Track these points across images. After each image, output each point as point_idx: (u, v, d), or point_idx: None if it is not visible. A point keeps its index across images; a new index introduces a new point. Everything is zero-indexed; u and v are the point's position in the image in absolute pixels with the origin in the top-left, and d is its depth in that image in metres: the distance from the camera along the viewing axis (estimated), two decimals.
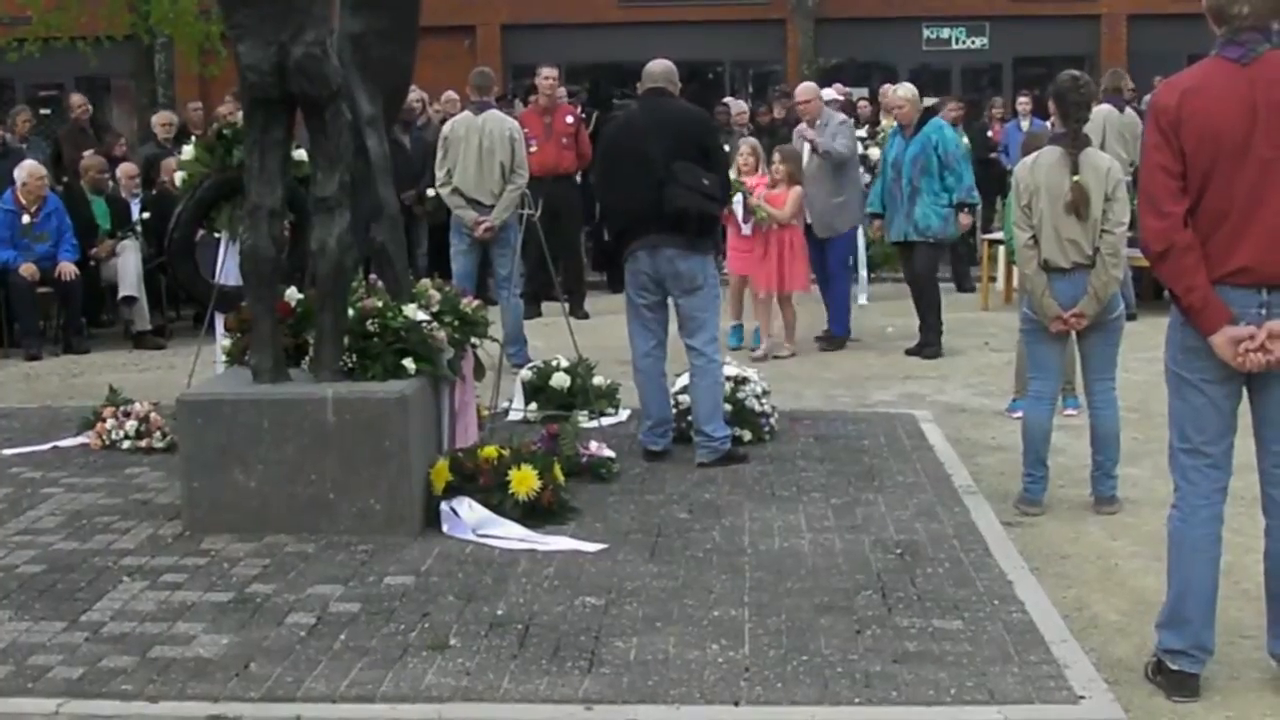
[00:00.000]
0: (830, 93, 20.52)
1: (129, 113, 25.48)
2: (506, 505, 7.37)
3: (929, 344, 13.05)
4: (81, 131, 18.16)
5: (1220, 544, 5.41)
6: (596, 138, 17.83)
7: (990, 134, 19.59)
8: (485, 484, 7.44)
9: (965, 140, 18.08)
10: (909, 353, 13.04)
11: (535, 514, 7.40)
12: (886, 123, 15.21)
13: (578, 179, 16.93)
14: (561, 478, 7.69)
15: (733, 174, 11.71)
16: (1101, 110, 14.94)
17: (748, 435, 9.14)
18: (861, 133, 17.17)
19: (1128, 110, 15.18)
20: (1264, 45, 5.12)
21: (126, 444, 9.30)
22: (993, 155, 19.16)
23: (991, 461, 9.02)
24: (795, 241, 12.96)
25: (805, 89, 14.22)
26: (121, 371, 12.95)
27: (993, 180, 18.68)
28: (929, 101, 21.15)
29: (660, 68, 9.00)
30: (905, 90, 13.40)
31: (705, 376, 8.73)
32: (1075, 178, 7.55)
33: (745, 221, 12.86)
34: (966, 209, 13.52)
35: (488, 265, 12.96)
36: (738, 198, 12.46)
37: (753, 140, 14.16)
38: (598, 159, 9.69)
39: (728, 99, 21.48)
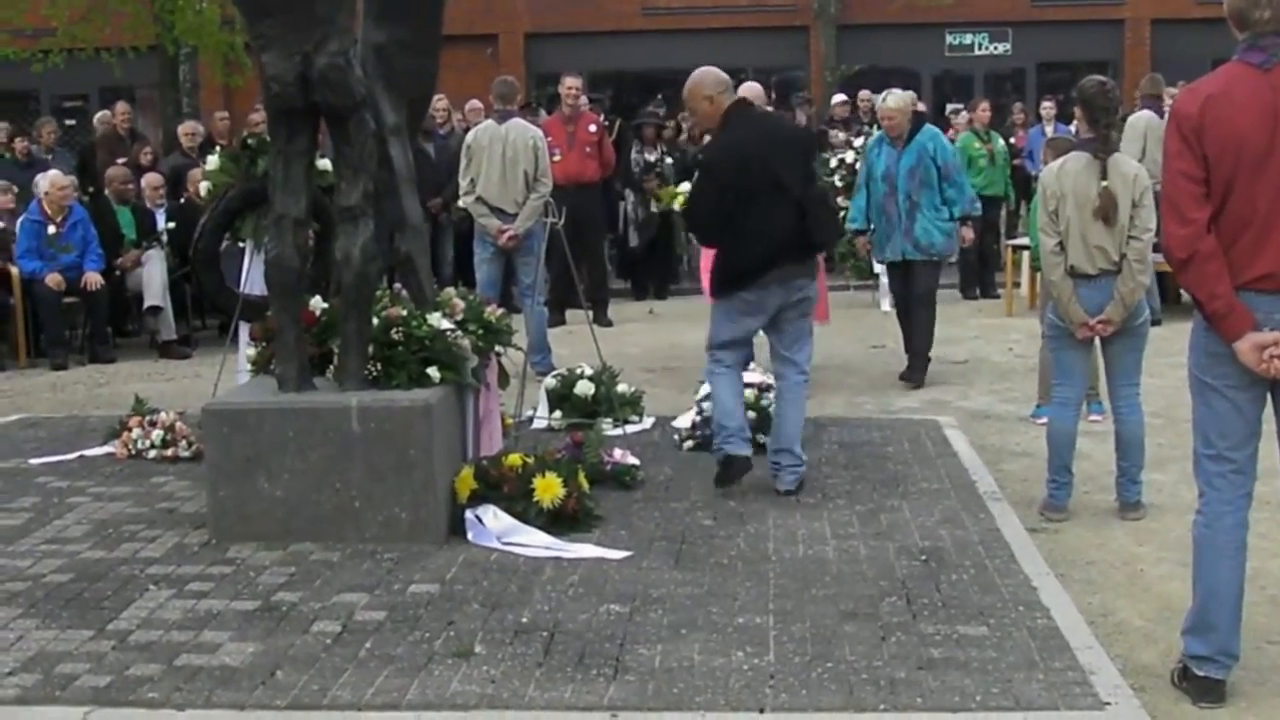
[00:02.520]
0: (840, 96, 20.55)
1: (154, 123, 25.56)
2: (531, 513, 7.38)
3: (917, 370, 12.06)
4: (119, 139, 18.26)
5: (1245, 549, 5.40)
6: (620, 145, 17.91)
7: (1014, 140, 19.55)
8: (510, 492, 7.45)
9: (1002, 143, 18.16)
10: (901, 377, 12.10)
11: (560, 521, 7.42)
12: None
13: (601, 187, 16.94)
14: (586, 485, 7.71)
15: None
16: (1143, 116, 14.89)
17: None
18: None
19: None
20: None
21: (152, 453, 9.35)
22: (1016, 161, 19.13)
23: (1016, 468, 9.01)
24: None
25: (756, 94, 11.63)
26: (147, 381, 13.01)
27: (1017, 185, 18.70)
28: (951, 107, 21.24)
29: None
30: (895, 100, 11.90)
31: (800, 396, 8.34)
32: (1104, 183, 7.54)
33: None
34: (969, 221, 12.45)
35: (512, 274, 12.99)
36: None
37: None
38: (708, 184, 8.18)
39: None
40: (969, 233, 12.63)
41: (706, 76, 8.22)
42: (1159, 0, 28.54)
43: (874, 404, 11.24)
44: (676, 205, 10.14)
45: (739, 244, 8.06)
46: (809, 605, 6.29)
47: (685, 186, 10.04)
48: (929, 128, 12.20)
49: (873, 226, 12.11)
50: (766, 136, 8.18)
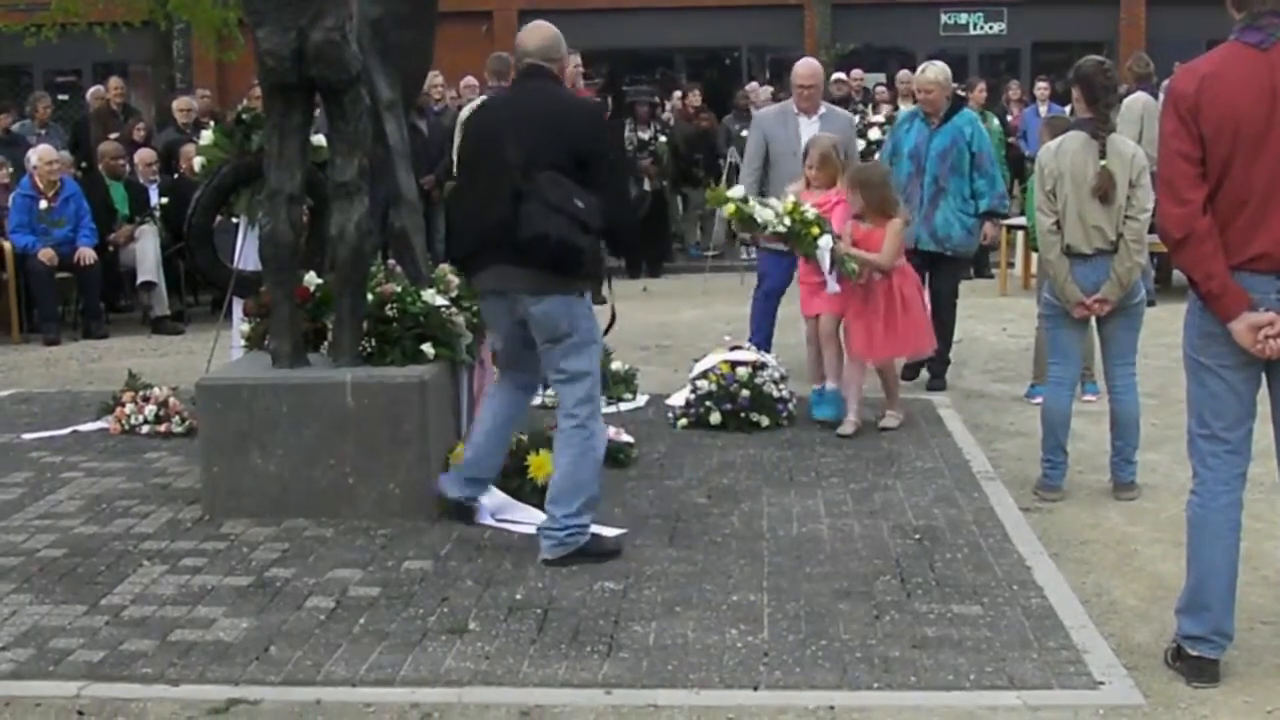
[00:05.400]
0: (839, 75, 20.50)
1: (146, 98, 25.49)
2: (525, 490, 7.38)
3: (940, 375, 10.85)
4: (112, 114, 18.20)
5: (1239, 530, 5.39)
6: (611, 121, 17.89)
7: (1010, 118, 19.52)
8: (504, 469, 7.45)
9: (997, 123, 18.11)
10: (929, 388, 10.77)
11: None
12: (906, 106, 14.61)
13: None
14: None
15: (804, 206, 9.14)
16: (1140, 99, 14.82)
17: (765, 421, 9.14)
18: (879, 117, 17.13)
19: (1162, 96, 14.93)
20: None
21: (146, 428, 9.35)
22: (1010, 140, 19.11)
23: (1010, 447, 9.00)
24: (908, 286, 9.41)
25: (810, 71, 10.98)
26: (140, 356, 12.98)
27: (1011, 165, 18.68)
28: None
29: (536, 38, 6.88)
30: (934, 72, 10.79)
31: (570, 445, 6.72)
32: (1103, 162, 7.53)
33: (830, 273, 9.18)
34: (995, 219, 11.29)
35: None
36: (824, 242, 9.06)
37: (826, 139, 10.01)
38: (458, 162, 7.40)
39: (750, 85, 21.46)
40: (991, 229, 11.58)
41: (528, 32, 6.98)
42: None
43: (868, 383, 11.17)
44: (727, 211, 9.16)
45: (453, 224, 7.03)
46: (803, 583, 6.30)
47: (738, 190, 9.30)
48: (968, 111, 11.23)
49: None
50: (512, 108, 6.81)
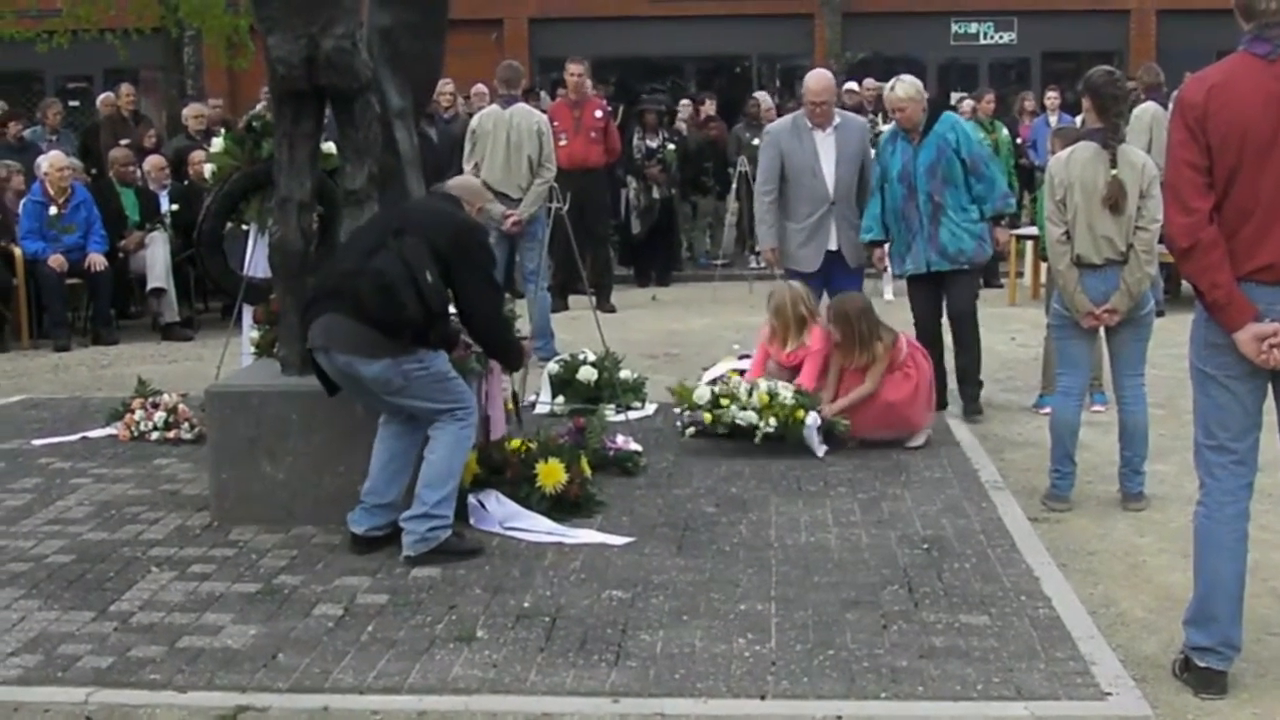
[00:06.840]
0: (850, 84, 20.41)
1: (157, 105, 25.54)
2: (533, 498, 7.39)
3: (974, 400, 10.20)
4: (123, 121, 18.24)
5: (1246, 540, 5.39)
6: (624, 131, 17.92)
7: (1019, 139, 19.50)
8: (512, 477, 7.47)
9: (1006, 133, 18.08)
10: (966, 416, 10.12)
11: (562, 507, 7.43)
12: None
13: (606, 173, 16.92)
14: (588, 471, 7.72)
15: (779, 392, 8.84)
16: (1149, 109, 14.81)
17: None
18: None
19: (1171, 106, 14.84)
20: None
21: (155, 435, 9.37)
22: (1022, 160, 19.10)
23: (1019, 457, 8.99)
24: (919, 369, 9.18)
25: (822, 85, 10.47)
26: (150, 363, 13.00)
27: (1020, 175, 18.67)
28: (957, 96, 21.18)
29: (459, 184, 7.83)
30: (903, 88, 9.93)
31: (445, 433, 6.88)
32: (1113, 172, 7.52)
33: (821, 444, 8.87)
34: (1004, 220, 10.57)
35: (515, 259, 12.99)
36: (811, 420, 8.78)
37: (777, 295, 9.52)
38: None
39: (757, 94, 21.43)
40: (1003, 234, 10.87)
41: (459, 180, 8.38)
42: None
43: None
44: (704, 419, 8.89)
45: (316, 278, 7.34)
46: (810, 593, 6.29)
47: (703, 393, 8.99)
48: (948, 115, 10.25)
49: (890, 236, 10.14)
50: (420, 203, 7.68)
